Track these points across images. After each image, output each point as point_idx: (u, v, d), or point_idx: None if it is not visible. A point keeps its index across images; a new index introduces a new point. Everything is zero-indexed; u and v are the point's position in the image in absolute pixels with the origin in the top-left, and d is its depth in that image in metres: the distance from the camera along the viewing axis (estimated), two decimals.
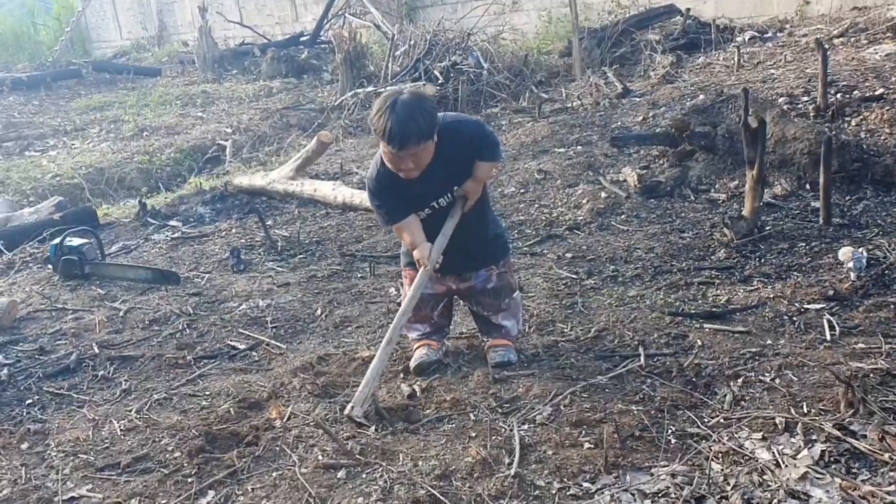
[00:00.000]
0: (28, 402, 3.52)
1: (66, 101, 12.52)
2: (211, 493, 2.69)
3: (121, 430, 3.17)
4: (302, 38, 13.72)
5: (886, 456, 2.50)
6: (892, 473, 2.43)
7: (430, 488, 2.54)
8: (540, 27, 11.92)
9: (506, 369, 3.34)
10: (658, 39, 9.62)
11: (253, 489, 2.68)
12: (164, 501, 2.67)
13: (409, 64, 9.89)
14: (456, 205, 3.26)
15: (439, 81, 9.42)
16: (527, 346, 3.59)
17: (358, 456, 2.78)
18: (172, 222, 6.42)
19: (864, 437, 2.62)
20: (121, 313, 4.49)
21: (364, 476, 2.68)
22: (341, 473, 2.70)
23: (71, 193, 7.89)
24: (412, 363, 3.43)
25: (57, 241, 5.25)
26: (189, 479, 2.78)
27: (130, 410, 3.32)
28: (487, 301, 3.44)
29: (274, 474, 2.75)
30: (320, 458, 2.80)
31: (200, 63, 13.58)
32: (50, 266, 5.32)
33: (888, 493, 2.32)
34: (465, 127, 3.24)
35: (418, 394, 3.23)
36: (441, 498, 2.50)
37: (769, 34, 9.20)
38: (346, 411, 2.98)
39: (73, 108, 11.81)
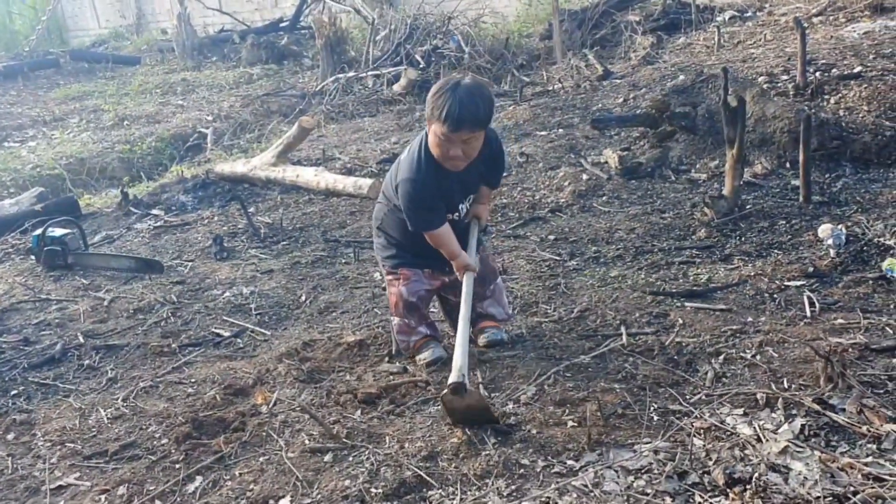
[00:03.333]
0: (13, 392, 3.51)
1: (45, 91, 12.38)
2: (199, 478, 2.71)
3: (107, 418, 3.17)
4: (282, 24, 13.62)
5: (864, 428, 2.55)
6: (869, 445, 2.48)
7: (416, 469, 2.57)
8: (520, 10, 11.90)
9: (486, 349, 3.35)
10: (638, 20, 9.63)
11: (240, 474, 2.69)
12: (152, 488, 2.68)
13: (389, 48, 9.87)
14: (473, 227, 3.31)
15: (420, 66, 9.40)
16: (511, 327, 3.61)
17: (344, 440, 2.80)
18: (155, 211, 6.40)
19: (843, 410, 2.66)
20: (105, 303, 4.48)
21: (351, 459, 2.70)
22: (328, 457, 2.72)
23: (52, 184, 7.82)
24: (422, 362, 3.33)
25: (39, 231, 5.22)
26: (177, 466, 2.79)
27: (117, 399, 3.33)
28: (476, 289, 3.27)
29: (261, 459, 2.76)
30: (307, 442, 2.81)
31: (180, 51, 13.47)
32: (33, 257, 5.29)
33: (866, 464, 2.37)
34: (496, 140, 3.25)
35: (404, 372, 3.25)
36: (427, 478, 2.53)
37: (749, 13, 9.23)
38: (453, 379, 2.76)
39: (52, 98, 11.69)
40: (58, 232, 5.23)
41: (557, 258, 4.43)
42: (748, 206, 4.76)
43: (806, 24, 7.22)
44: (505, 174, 3.37)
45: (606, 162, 5.83)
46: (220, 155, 8.35)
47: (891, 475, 2.30)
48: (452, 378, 2.75)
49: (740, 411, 2.74)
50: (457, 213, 3.24)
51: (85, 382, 3.56)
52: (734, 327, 3.38)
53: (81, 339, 3.98)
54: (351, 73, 9.64)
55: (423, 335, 3.37)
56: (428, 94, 2.98)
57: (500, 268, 3.60)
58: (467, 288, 3.14)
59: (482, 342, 3.40)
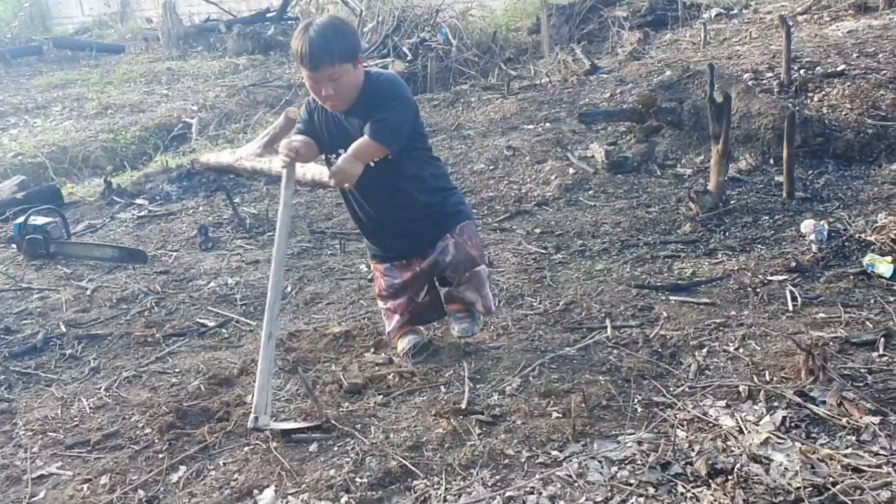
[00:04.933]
0: None
1: (27, 79, 12.24)
2: (182, 468, 2.70)
3: (90, 407, 3.15)
4: (268, 15, 13.52)
5: (844, 421, 2.58)
6: (849, 437, 2.51)
7: (401, 459, 2.58)
8: (508, 4, 11.88)
9: (472, 340, 3.31)
10: (626, 16, 9.65)
11: (225, 464, 2.69)
12: (135, 477, 2.67)
13: (377, 41, 9.84)
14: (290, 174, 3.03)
15: (408, 58, 9.38)
16: (496, 319, 3.62)
17: (333, 422, 2.81)
18: (139, 201, 6.35)
19: (824, 403, 2.70)
20: (88, 292, 4.45)
21: (336, 449, 2.70)
22: (313, 447, 2.72)
23: (34, 173, 7.73)
24: (400, 350, 3.33)
25: (21, 220, 5.17)
26: (160, 455, 2.78)
27: (99, 388, 3.31)
28: (449, 274, 3.20)
29: (245, 449, 2.76)
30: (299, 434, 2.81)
31: (165, 40, 13.34)
32: (14, 245, 5.24)
33: (845, 455, 2.40)
34: (390, 79, 3.02)
35: (390, 363, 3.26)
36: (412, 468, 2.54)
37: (735, 11, 9.28)
38: (250, 424, 2.79)
39: (35, 86, 11.55)
40: (40, 220, 5.19)
41: (543, 251, 4.44)
42: (732, 202, 4.79)
43: (791, 23, 7.26)
44: (384, 145, 2.93)
45: (593, 156, 5.85)
46: (206, 145, 8.29)
47: (869, 466, 2.33)
48: (250, 423, 2.79)
49: (723, 403, 2.77)
50: (335, 157, 3.04)
51: (67, 372, 3.54)
52: (717, 321, 3.41)
53: (63, 329, 3.95)
54: None
55: (400, 323, 3.34)
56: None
57: (488, 259, 3.47)
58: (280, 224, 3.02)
59: (453, 332, 3.31)
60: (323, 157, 3.15)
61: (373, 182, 3.03)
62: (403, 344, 3.33)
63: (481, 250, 3.29)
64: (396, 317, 3.32)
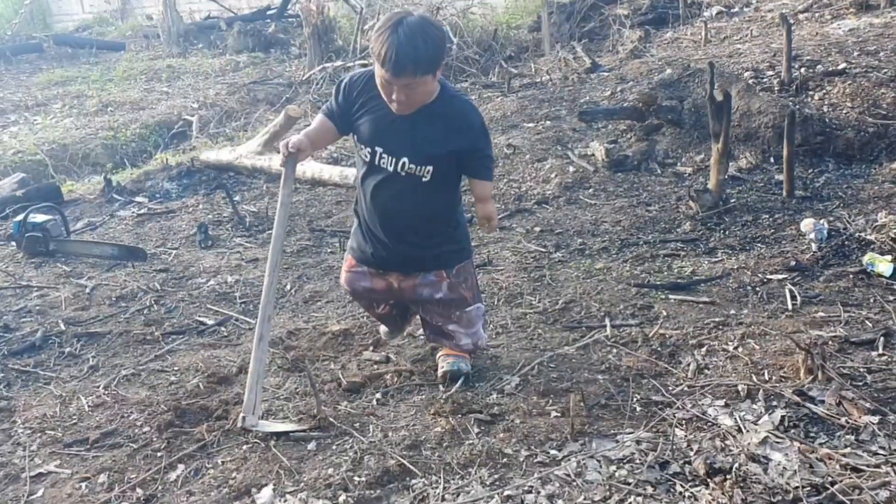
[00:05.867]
0: None
1: (27, 76, 12.23)
2: (181, 466, 2.70)
3: (88, 406, 3.15)
4: (269, 12, 13.51)
5: (843, 420, 2.58)
6: (848, 437, 2.51)
7: (399, 458, 2.58)
8: (509, 1, 11.86)
9: (458, 379, 3.08)
10: (626, 14, 9.64)
11: (223, 462, 2.69)
12: (133, 475, 2.66)
13: None
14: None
15: None
16: (495, 318, 3.62)
17: (331, 419, 2.81)
18: (138, 198, 6.35)
19: (823, 402, 2.69)
20: (87, 290, 4.44)
21: (334, 447, 2.70)
22: (311, 445, 2.72)
23: (34, 170, 7.73)
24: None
25: (20, 217, 5.16)
26: (158, 454, 2.78)
27: (98, 387, 3.30)
28: (436, 310, 3.09)
29: (244, 447, 2.76)
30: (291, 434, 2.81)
31: (165, 37, 13.33)
32: (13, 243, 5.23)
33: (844, 455, 2.40)
34: (467, 107, 2.87)
35: (389, 362, 3.26)
36: (411, 467, 2.53)
37: (736, 9, 9.26)
38: (240, 424, 2.80)
39: (35, 83, 11.55)
40: (39, 218, 5.18)
41: (543, 250, 4.44)
42: (732, 200, 4.79)
43: (792, 21, 7.25)
44: (491, 182, 2.97)
45: (593, 154, 5.84)
46: (206, 143, 8.29)
47: (868, 466, 2.33)
48: (239, 423, 2.83)
49: (721, 402, 2.77)
50: (391, 160, 2.83)
51: (66, 370, 3.53)
52: (717, 319, 3.40)
53: (62, 327, 3.94)
54: (338, 63, 9.59)
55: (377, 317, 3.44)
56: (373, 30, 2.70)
57: (475, 300, 3.13)
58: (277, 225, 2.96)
59: (439, 373, 3.12)
60: (356, 148, 2.94)
61: (396, 195, 2.89)
62: (381, 330, 3.50)
63: (475, 290, 3.13)
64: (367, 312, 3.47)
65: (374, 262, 3.07)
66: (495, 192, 5.48)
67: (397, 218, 2.94)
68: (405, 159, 2.81)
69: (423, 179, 2.82)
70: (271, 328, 3.67)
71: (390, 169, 2.84)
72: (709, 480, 2.32)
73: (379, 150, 2.83)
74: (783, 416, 2.62)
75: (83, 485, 2.64)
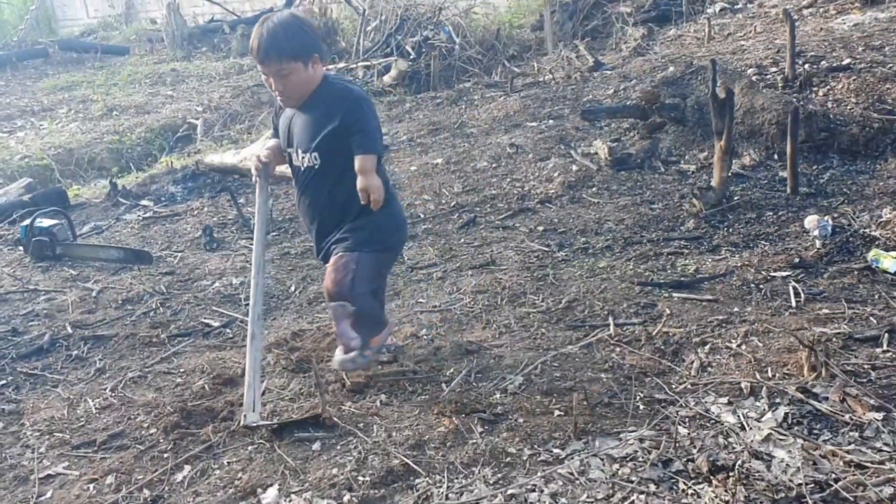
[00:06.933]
0: (2, 382, 3.51)
1: (33, 82, 12.30)
2: (187, 467, 2.72)
3: (96, 408, 3.17)
4: None
5: (847, 416, 2.58)
6: (852, 433, 2.51)
7: (403, 457, 2.59)
8: (511, 1, 11.87)
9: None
10: (629, 12, 9.62)
11: (229, 463, 2.71)
12: (140, 477, 2.68)
13: (380, 39, 9.83)
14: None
15: (411, 57, 9.38)
16: (499, 317, 3.63)
17: (335, 419, 2.83)
18: (144, 202, 6.38)
19: (826, 399, 2.69)
20: (93, 293, 4.47)
21: (339, 447, 2.71)
22: (316, 445, 2.74)
23: (40, 175, 7.78)
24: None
25: (27, 222, 5.20)
26: (165, 455, 2.80)
27: (105, 389, 3.33)
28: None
29: (249, 448, 2.77)
30: (295, 431, 2.82)
31: (169, 41, 13.38)
32: (21, 247, 5.27)
33: (848, 452, 2.40)
34: (347, 87, 2.96)
35: (393, 362, 3.27)
36: (415, 466, 2.55)
37: (739, 5, 9.24)
38: (242, 422, 2.83)
39: (41, 89, 11.61)
40: (46, 222, 5.21)
41: (546, 249, 4.45)
42: (736, 198, 4.78)
43: (796, 17, 7.24)
44: (374, 152, 2.86)
45: (596, 153, 5.84)
46: (210, 146, 8.32)
47: (872, 462, 2.33)
48: (242, 422, 2.83)
49: (725, 400, 2.77)
50: (293, 153, 3.01)
51: (73, 373, 3.56)
52: (720, 317, 3.40)
53: (70, 330, 3.97)
54: (341, 64, 9.61)
55: None
56: None
57: (339, 297, 2.98)
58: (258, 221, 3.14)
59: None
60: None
61: (304, 190, 3.06)
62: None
63: (345, 288, 2.94)
64: None
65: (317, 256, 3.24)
66: (498, 192, 5.49)
67: (308, 213, 3.10)
68: (300, 150, 2.98)
69: (316, 167, 2.96)
70: (267, 327, 3.72)
71: (296, 164, 3.03)
72: (712, 478, 2.33)
73: (290, 150, 3.05)
74: (786, 414, 2.62)
75: (91, 486, 2.67)
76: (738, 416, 2.65)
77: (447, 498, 2.39)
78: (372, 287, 3.10)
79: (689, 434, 2.59)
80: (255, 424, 2.81)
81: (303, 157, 2.97)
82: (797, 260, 3.88)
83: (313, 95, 2.93)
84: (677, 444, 2.51)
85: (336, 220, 3.02)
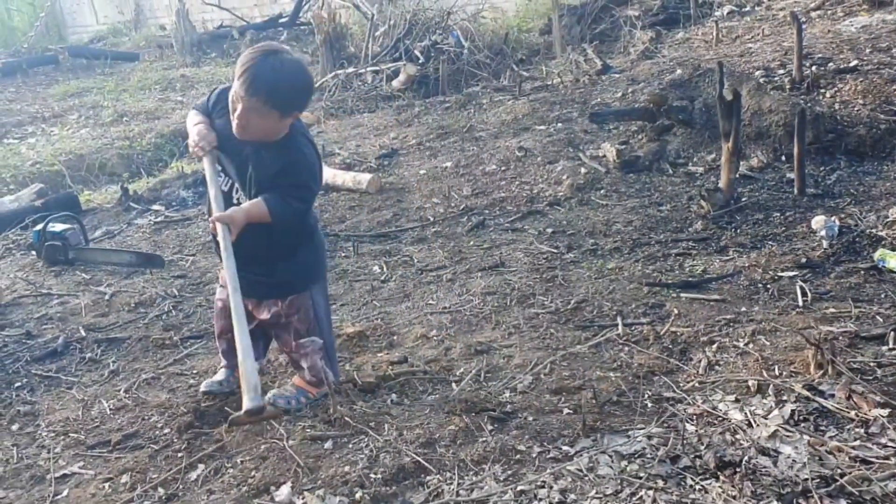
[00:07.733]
0: (17, 385, 3.55)
1: (44, 88, 12.39)
2: (201, 466, 2.75)
3: (110, 409, 3.22)
4: (281, 20, 13.64)
5: (853, 413, 2.60)
6: (857, 430, 2.53)
7: (414, 455, 2.62)
8: (520, 5, 11.91)
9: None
10: (637, 15, 9.65)
11: (242, 461, 2.74)
12: (154, 476, 2.72)
13: (389, 44, 9.90)
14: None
15: (420, 61, 9.44)
16: (508, 318, 3.66)
17: (347, 418, 2.86)
18: (155, 207, 6.43)
19: (832, 396, 2.72)
20: (106, 297, 4.52)
21: (350, 446, 2.75)
22: (328, 444, 2.77)
23: (52, 180, 7.83)
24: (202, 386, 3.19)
25: (40, 227, 5.25)
26: (179, 454, 2.84)
27: (119, 390, 3.37)
28: (281, 337, 3.07)
29: (262, 447, 2.81)
30: (307, 430, 2.86)
31: (178, 47, 13.47)
32: (34, 252, 5.32)
33: (853, 447, 2.42)
34: (304, 142, 2.83)
35: (403, 362, 3.31)
36: (425, 464, 2.58)
37: (747, 8, 9.25)
38: (245, 406, 2.67)
39: (51, 95, 11.70)
40: (58, 227, 5.26)
41: (555, 251, 4.48)
42: (744, 199, 4.80)
43: (804, 19, 7.26)
44: (277, 219, 2.79)
45: (605, 156, 5.87)
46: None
47: (877, 458, 2.35)
48: (248, 403, 2.64)
49: (732, 398, 2.79)
50: (227, 181, 2.89)
51: (87, 375, 3.61)
52: (728, 317, 3.43)
53: (83, 333, 4.02)
54: (350, 69, 9.68)
55: (221, 351, 3.27)
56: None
57: (309, 334, 3.05)
58: (225, 247, 2.78)
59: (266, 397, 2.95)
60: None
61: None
62: (205, 384, 3.19)
63: (311, 324, 3.01)
64: (219, 342, 3.25)
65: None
66: (507, 195, 5.51)
67: (238, 245, 2.83)
68: (226, 180, 2.87)
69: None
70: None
71: (225, 189, 2.89)
72: (719, 473, 2.35)
73: (230, 180, 2.88)
74: (793, 411, 2.65)
75: (106, 485, 2.71)
76: (746, 414, 2.67)
77: (458, 494, 2.42)
78: (329, 318, 3.14)
79: (696, 431, 2.61)
80: (259, 405, 2.68)
81: (235, 188, 2.88)
82: (804, 260, 3.90)
83: (271, 143, 2.77)
84: (685, 441, 2.54)
85: (261, 260, 2.93)
